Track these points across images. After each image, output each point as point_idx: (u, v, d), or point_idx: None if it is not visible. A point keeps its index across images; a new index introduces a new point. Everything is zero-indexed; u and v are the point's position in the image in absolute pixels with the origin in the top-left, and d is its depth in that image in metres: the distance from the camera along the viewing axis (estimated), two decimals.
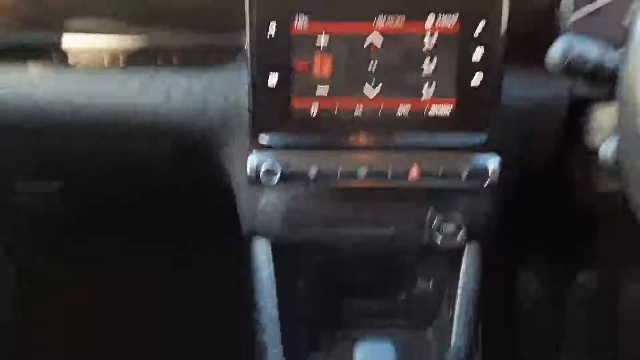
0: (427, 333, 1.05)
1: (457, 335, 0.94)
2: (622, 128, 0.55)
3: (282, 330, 0.96)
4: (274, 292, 0.95)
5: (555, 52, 0.60)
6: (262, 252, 0.95)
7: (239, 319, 1.02)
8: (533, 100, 0.82)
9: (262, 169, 0.79)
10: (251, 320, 0.98)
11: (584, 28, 0.80)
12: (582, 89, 0.80)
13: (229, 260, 1.07)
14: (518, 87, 0.80)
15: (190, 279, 1.43)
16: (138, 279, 1.44)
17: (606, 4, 0.75)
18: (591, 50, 0.59)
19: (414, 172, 0.80)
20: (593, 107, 0.79)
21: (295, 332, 1.03)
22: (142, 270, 1.44)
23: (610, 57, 0.59)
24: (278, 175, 0.79)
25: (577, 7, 0.83)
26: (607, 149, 0.61)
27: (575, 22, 0.81)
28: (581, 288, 1.28)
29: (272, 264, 0.95)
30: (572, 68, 0.59)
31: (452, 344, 0.95)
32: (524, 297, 1.36)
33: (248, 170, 0.80)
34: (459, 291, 0.94)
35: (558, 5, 0.78)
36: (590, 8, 0.82)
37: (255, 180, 0.80)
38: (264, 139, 0.79)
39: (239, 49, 0.81)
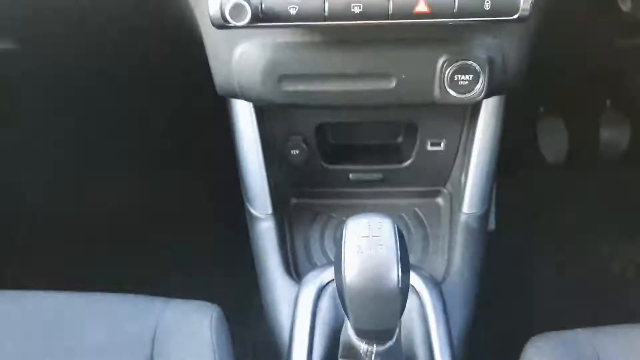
0: (438, 199, 0.94)
1: (470, 199, 0.84)
2: None
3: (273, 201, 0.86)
4: (261, 157, 0.84)
5: None
6: (243, 116, 0.82)
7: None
8: None
9: (229, 4, 0.61)
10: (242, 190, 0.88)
11: None
12: None
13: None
14: None
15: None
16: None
17: None
18: None
19: (422, 5, 0.62)
20: None
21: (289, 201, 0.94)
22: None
23: None
24: (249, 13, 0.62)
25: None
26: None
27: None
28: None
29: (256, 130, 0.82)
30: None
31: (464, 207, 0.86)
32: None
33: (210, 7, 0.62)
34: (474, 151, 0.82)
35: None
36: None
37: (221, 20, 0.63)
38: None
39: None
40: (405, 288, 0.52)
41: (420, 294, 0.74)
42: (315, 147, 0.88)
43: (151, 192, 1.42)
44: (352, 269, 0.50)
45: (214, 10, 0.62)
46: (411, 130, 0.88)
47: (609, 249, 1.33)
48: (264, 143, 0.84)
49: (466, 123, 0.85)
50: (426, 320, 0.73)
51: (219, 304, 0.75)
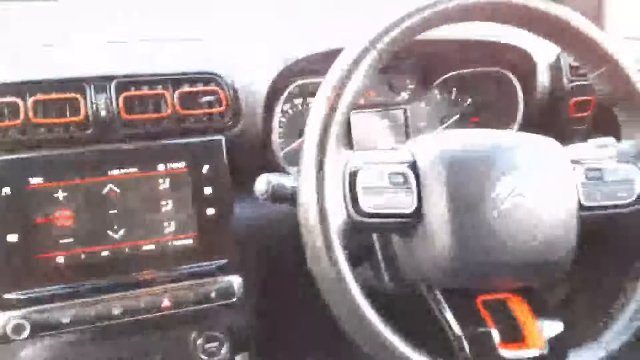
0: None
1: None
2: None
3: None
4: None
5: (260, 185, 0.74)
6: None
7: None
8: (262, 221, 0.96)
9: (10, 326, 0.80)
10: None
11: (291, 159, 0.98)
12: None
13: None
14: (248, 213, 0.94)
15: None
16: None
17: None
18: (287, 180, 0.75)
19: (166, 303, 0.87)
20: None
21: None
22: None
23: None
24: (28, 330, 0.80)
25: (286, 142, 1.02)
26: None
27: (284, 154, 1.00)
28: None
29: None
30: (276, 195, 0.74)
31: None
32: None
33: None
34: None
35: (270, 143, 0.95)
36: (295, 143, 1.02)
37: (4, 338, 0.80)
38: (9, 296, 0.80)
39: None
40: None
41: None
42: None
43: None
44: None
45: None
46: None
47: None
48: None
49: None
50: None
51: None
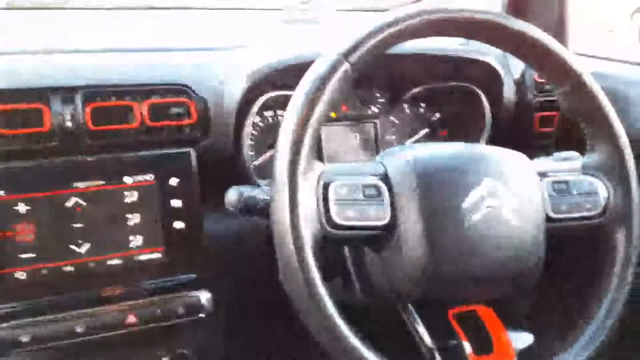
0: None
1: None
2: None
3: None
4: None
5: (231, 197, 0.73)
6: None
7: None
8: (233, 235, 0.94)
9: None
10: None
11: (262, 172, 0.98)
12: None
13: None
14: (219, 226, 0.92)
15: None
16: None
17: None
18: (258, 193, 0.74)
19: (131, 319, 0.84)
20: None
21: None
22: None
23: None
24: None
25: (256, 155, 1.01)
26: None
27: (255, 167, 0.99)
28: None
29: None
30: (248, 207, 0.73)
31: None
32: None
33: None
34: None
35: (241, 156, 0.94)
36: (266, 156, 1.02)
37: None
38: None
39: None
40: None
41: None
42: None
43: None
44: None
45: None
46: None
47: None
48: None
49: None
50: None
51: None
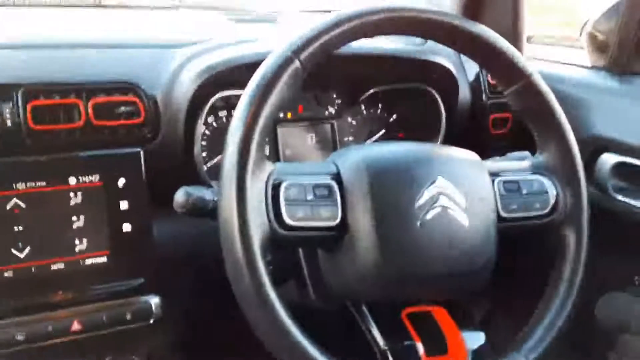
0: None
1: None
2: None
3: None
4: None
5: (179, 198, 0.70)
6: None
7: None
8: (183, 238, 0.92)
9: None
10: None
11: (215, 174, 0.95)
12: None
13: None
14: (169, 230, 0.90)
15: None
16: None
17: None
18: (207, 194, 0.71)
19: (76, 326, 0.81)
20: None
21: None
22: None
23: None
24: None
25: (210, 156, 0.99)
26: None
27: (208, 169, 0.97)
28: None
29: None
30: (196, 208, 0.70)
31: None
32: None
33: None
34: None
35: (192, 157, 0.92)
36: (219, 159, 0.99)
37: None
38: None
39: None
40: None
41: None
42: None
43: None
44: None
45: None
46: None
47: None
48: None
49: None
50: None
51: None
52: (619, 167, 0.99)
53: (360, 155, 0.71)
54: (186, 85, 0.87)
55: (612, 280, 1.06)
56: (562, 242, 0.78)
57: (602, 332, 1.06)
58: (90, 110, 0.82)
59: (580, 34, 1.13)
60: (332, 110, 1.10)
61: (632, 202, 0.97)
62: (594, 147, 1.02)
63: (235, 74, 0.87)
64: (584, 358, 1.10)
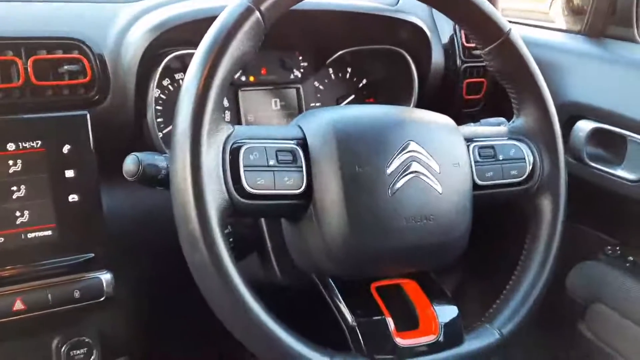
0: None
1: None
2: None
3: None
4: None
5: (129, 165, 0.64)
6: None
7: None
8: (136, 210, 0.85)
9: None
10: None
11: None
12: None
13: None
14: (120, 201, 0.83)
15: None
16: None
17: None
18: (160, 161, 0.65)
19: (19, 305, 0.74)
20: None
21: None
22: None
23: None
24: None
25: (166, 122, 0.92)
26: None
27: (163, 136, 0.89)
28: None
29: None
30: (147, 176, 0.64)
31: None
32: None
33: None
34: None
35: (145, 123, 0.85)
36: None
37: None
38: None
39: None
40: None
41: None
42: None
43: None
44: None
45: None
46: None
47: None
48: None
49: None
50: None
51: None
52: (594, 134, 0.96)
53: (327, 119, 0.66)
54: (136, 43, 0.80)
55: (584, 250, 1.04)
56: (538, 210, 0.75)
57: (572, 302, 1.04)
58: (30, 69, 0.74)
59: (550, 7, 1.10)
60: (297, 73, 1.04)
61: (607, 169, 0.95)
62: (569, 114, 0.98)
63: (190, 31, 0.80)
64: (552, 328, 1.09)
